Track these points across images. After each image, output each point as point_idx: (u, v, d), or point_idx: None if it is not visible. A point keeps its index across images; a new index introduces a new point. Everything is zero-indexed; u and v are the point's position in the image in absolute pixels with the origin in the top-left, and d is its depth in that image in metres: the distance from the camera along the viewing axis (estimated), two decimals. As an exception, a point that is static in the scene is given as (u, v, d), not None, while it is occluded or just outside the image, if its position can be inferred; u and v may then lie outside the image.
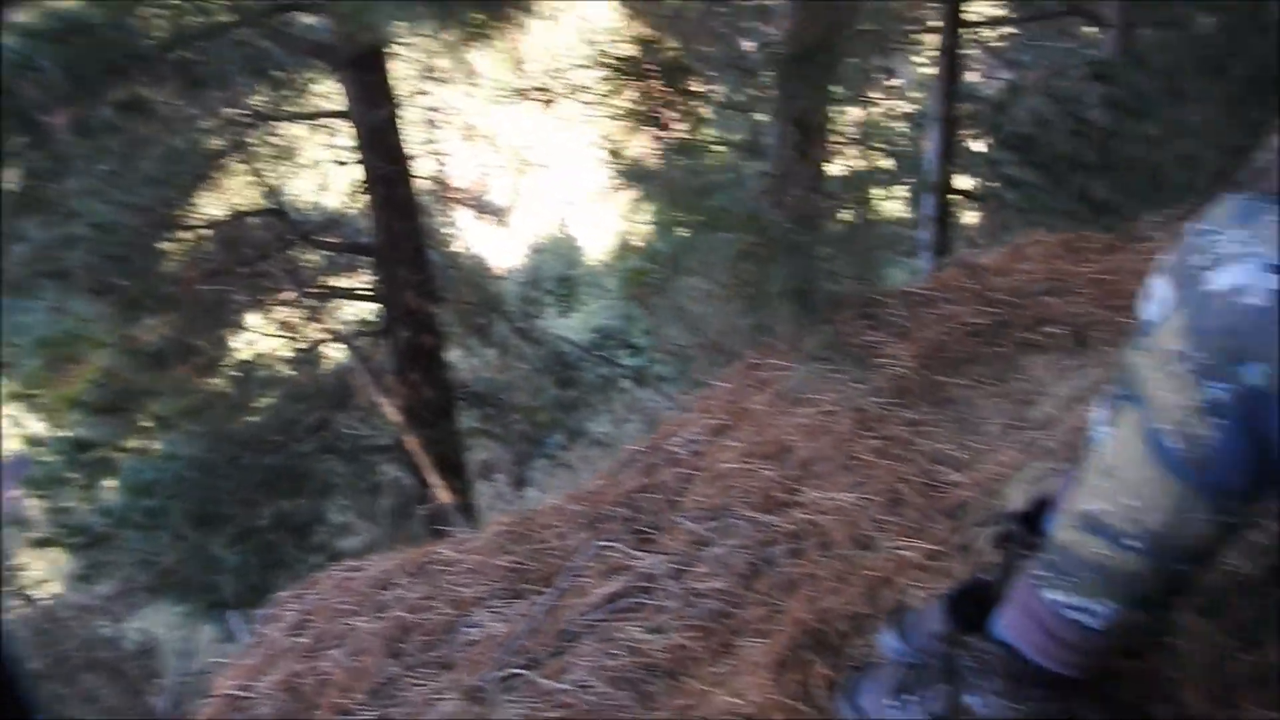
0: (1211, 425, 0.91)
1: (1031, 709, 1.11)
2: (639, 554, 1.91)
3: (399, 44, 5.98)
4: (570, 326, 12.87)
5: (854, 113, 8.60)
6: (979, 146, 7.39)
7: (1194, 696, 1.16)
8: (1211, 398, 0.90)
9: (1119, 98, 5.55)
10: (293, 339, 8.26)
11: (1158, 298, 1.07)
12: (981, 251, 2.86)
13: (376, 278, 7.78)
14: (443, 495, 6.61)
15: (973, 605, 1.19)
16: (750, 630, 1.58)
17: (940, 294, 2.44)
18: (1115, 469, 0.99)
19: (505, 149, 9.40)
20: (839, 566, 1.62)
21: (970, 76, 8.00)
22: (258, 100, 7.10)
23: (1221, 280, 0.90)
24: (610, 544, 1.98)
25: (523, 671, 1.71)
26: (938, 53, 5.94)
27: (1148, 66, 5.33)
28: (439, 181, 8.90)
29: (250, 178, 7.19)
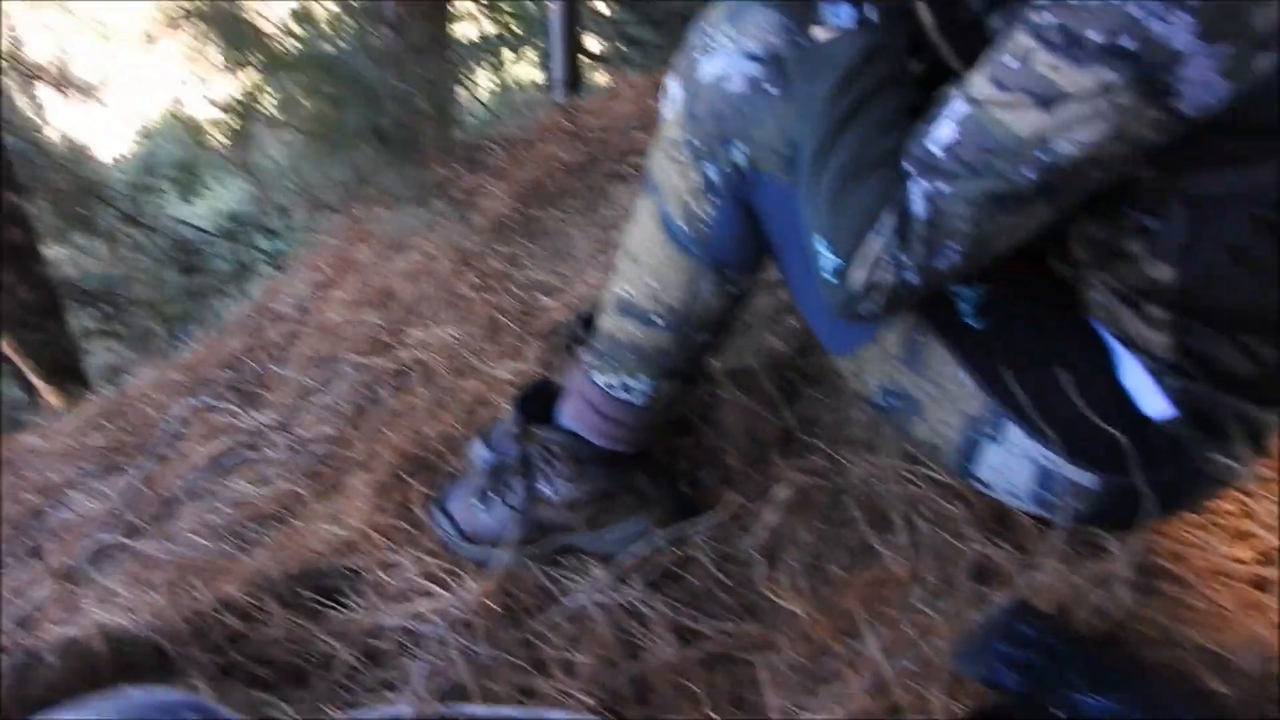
0: (708, 203, 1.02)
1: (594, 486, 1.22)
2: (244, 412, 1.86)
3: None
4: (197, 213, 11.82)
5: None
6: (602, 8, 7.49)
7: (734, 460, 1.33)
8: (706, 178, 1.01)
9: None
10: None
11: (670, 95, 1.17)
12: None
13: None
14: (56, 402, 5.96)
15: (541, 403, 1.27)
16: (356, 467, 1.60)
17: (539, 137, 2.50)
18: (638, 254, 1.08)
19: (85, 17, 8.22)
20: (440, 396, 1.67)
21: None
22: None
23: (709, 69, 1.00)
24: (213, 405, 1.91)
25: (122, 541, 1.64)
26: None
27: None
28: (7, 57, 7.65)
29: None
